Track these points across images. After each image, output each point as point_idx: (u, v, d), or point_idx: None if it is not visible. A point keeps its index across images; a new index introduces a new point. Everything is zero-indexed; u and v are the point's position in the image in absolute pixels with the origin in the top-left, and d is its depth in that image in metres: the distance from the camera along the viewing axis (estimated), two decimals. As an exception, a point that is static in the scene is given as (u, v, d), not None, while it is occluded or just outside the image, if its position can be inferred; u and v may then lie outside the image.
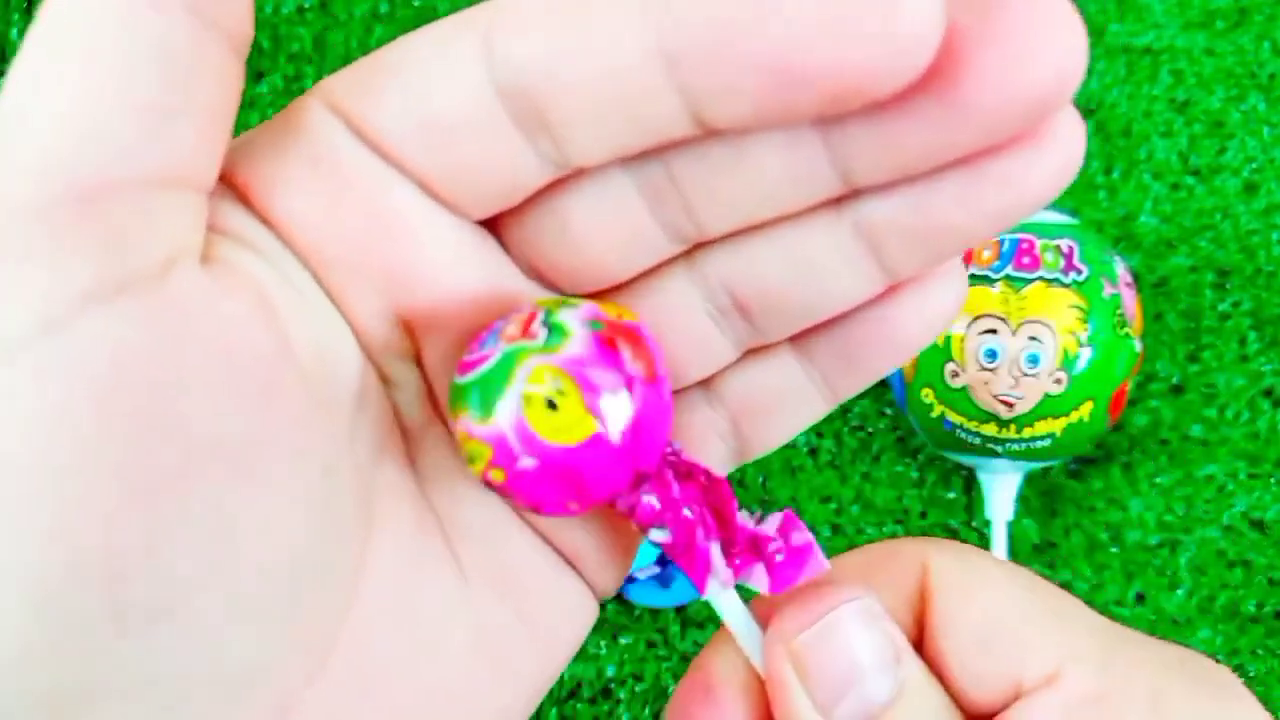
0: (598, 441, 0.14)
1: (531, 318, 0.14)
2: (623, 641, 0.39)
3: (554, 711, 0.38)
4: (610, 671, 0.38)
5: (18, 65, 0.12)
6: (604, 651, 0.39)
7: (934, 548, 0.16)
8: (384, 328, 0.15)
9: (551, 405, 0.13)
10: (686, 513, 0.15)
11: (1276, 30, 0.44)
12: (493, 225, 0.15)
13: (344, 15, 0.44)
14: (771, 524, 0.15)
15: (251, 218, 0.14)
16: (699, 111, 0.13)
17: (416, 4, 0.44)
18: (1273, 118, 0.43)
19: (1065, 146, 0.13)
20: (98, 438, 0.11)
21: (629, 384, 0.14)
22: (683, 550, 0.15)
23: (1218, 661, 0.16)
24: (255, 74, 0.44)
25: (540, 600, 0.16)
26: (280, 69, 0.44)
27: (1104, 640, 0.15)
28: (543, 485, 0.14)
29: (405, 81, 0.14)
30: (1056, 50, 0.12)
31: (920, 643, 0.16)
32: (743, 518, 0.15)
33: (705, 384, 0.17)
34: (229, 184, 0.14)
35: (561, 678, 0.38)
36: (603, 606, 0.39)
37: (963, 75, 0.12)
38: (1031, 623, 0.15)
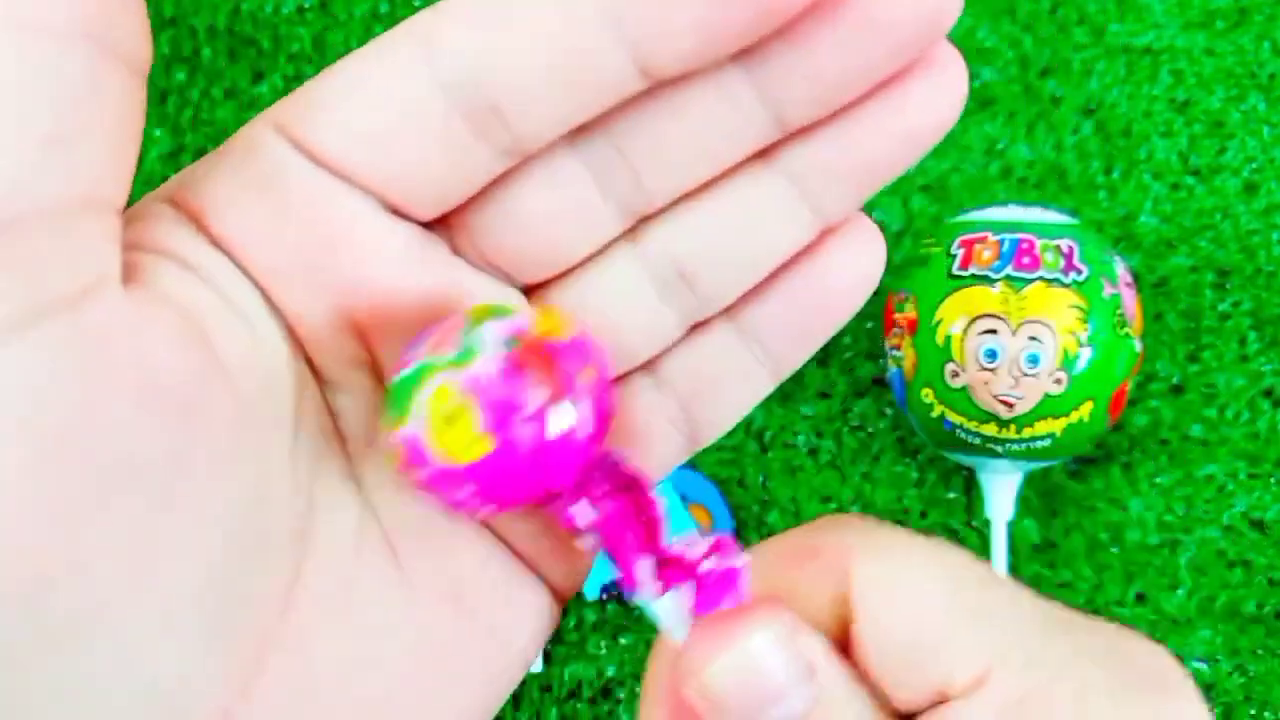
0: (493, 461, 0.14)
1: (454, 328, 0.14)
2: (623, 641, 0.39)
3: (554, 711, 0.38)
4: (610, 671, 0.38)
5: None
6: (604, 651, 0.39)
7: (857, 547, 0.15)
8: (337, 337, 0.15)
9: (449, 422, 0.14)
10: (612, 524, 0.15)
11: (1276, 30, 0.44)
12: (443, 221, 0.16)
13: (344, 15, 0.44)
14: (703, 544, 0.15)
15: (200, 241, 0.14)
16: (644, 60, 0.14)
17: (417, 4, 0.44)
18: (1273, 118, 0.43)
19: (954, 70, 0.15)
20: (16, 463, 0.11)
21: (528, 407, 0.14)
22: (611, 559, 0.15)
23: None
24: (255, 74, 0.44)
25: (493, 603, 0.16)
26: (280, 69, 0.44)
27: (1034, 636, 0.15)
28: (449, 492, 0.14)
29: (349, 95, 0.14)
30: None
31: (847, 641, 0.15)
32: (682, 537, 0.15)
33: (651, 368, 0.17)
34: (182, 209, 0.15)
35: (562, 677, 0.38)
36: (602, 606, 0.39)
37: None
38: (956, 626, 0.15)
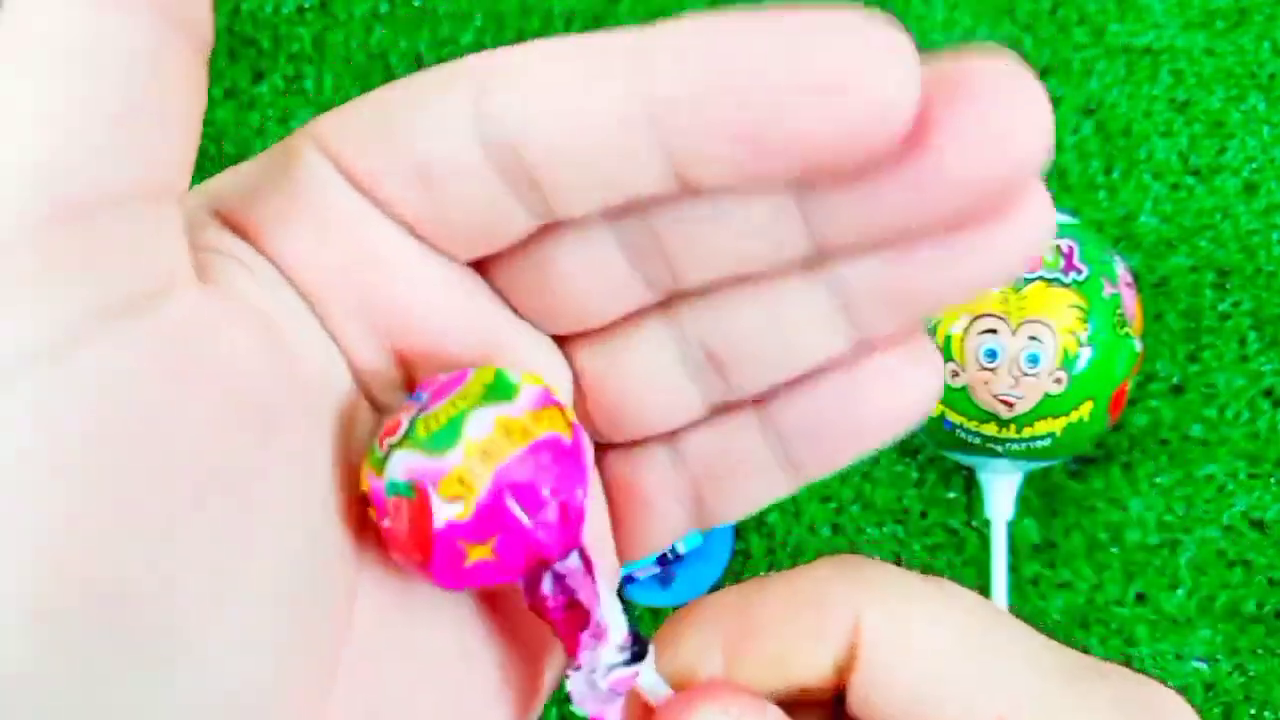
0: (439, 554, 0.14)
1: (451, 387, 0.14)
2: (623, 641, 0.39)
3: (554, 711, 0.38)
4: (610, 671, 0.39)
5: None
6: (604, 651, 0.39)
7: (865, 600, 0.15)
8: (379, 360, 0.15)
9: (398, 513, 0.14)
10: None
11: (1276, 30, 0.44)
12: (478, 266, 0.15)
13: (344, 15, 0.44)
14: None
15: (251, 250, 0.14)
16: (681, 171, 0.13)
17: (417, 4, 0.45)
18: (1273, 118, 0.43)
19: (1035, 218, 0.14)
20: (98, 468, 0.11)
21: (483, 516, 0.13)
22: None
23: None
24: (255, 74, 0.44)
25: (527, 620, 0.16)
26: (280, 69, 0.44)
27: (1047, 683, 0.14)
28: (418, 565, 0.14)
29: (395, 127, 0.14)
30: (1024, 126, 0.12)
31: (846, 689, 0.15)
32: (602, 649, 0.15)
33: (670, 440, 0.17)
34: (224, 220, 0.14)
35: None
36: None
37: (934, 147, 0.12)
38: (967, 680, 0.14)
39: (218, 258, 0.14)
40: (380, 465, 0.14)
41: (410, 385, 0.15)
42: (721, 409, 0.16)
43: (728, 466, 0.16)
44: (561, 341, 0.16)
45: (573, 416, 0.15)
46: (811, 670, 0.15)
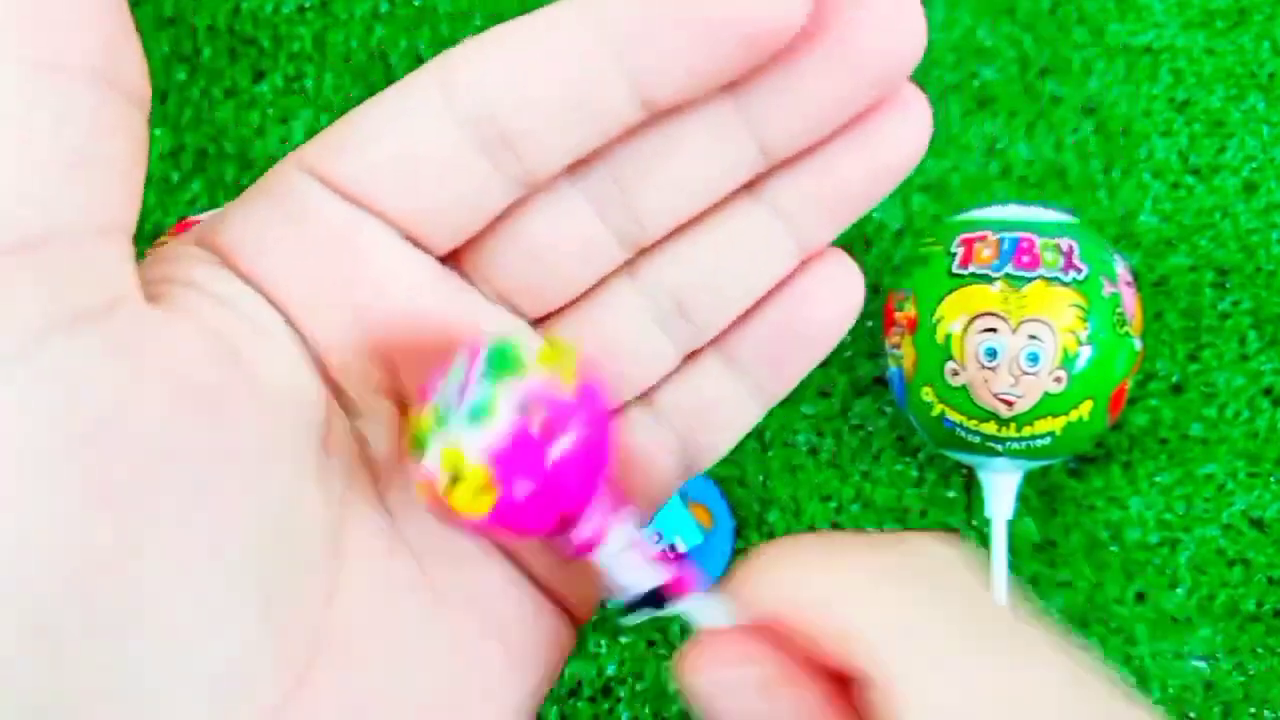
0: (501, 508, 0.15)
1: (472, 364, 0.15)
2: (623, 640, 0.39)
3: (554, 710, 0.38)
4: (610, 670, 0.39)
5: None
6: (604, 650, 0.39)
7: (901, 664, 0.14)
8: (363, 365, 0.16)
9: (456, 483, 0.14)
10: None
11: (1276, 30, 0.44)
12: (454, 256, 0.16)
13: (344, 15, 0.44)
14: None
15: (229, 276, 0.15)
16: (644, 90, 0.15)
17: (417, 3, 0.45)
18: (1273, 117, 0.43)
19: (919, 107, 0.17)
20: (55, 450, 0.12)
21: (535, 466, 0.15)
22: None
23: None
24: (255, 73, 0.44)
25: (517, 626, 0.17)
26: (280, 69, 0.44)
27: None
28: (466, 528, 0.15)
29: (373, 130, 0.15)
30: (911, 18, 0.16)
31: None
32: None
33: (648, 400, 0.18)
34: (211, 248, 0.15)
35: (562, 676, 0.38)
36: (602, 605, 0.39)
37: (846, 32, 0.15)
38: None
39: (180, 288, 0.15)
40: (423, 442, 0.15)
41: (394, 387, 0.16)
42: (688, 358, 0.18)
43: (705, 409, 0.18)
44: (535, 325, 0.17)
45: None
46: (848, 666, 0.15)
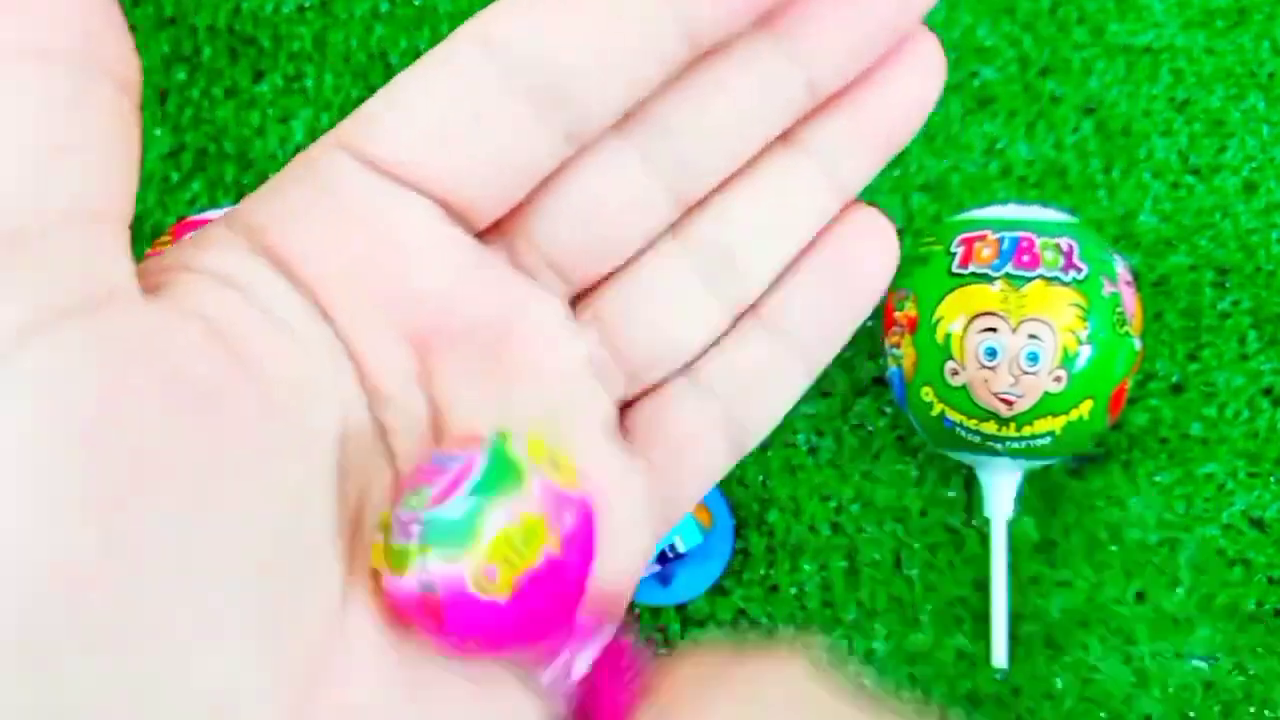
0: (450, 636, 0.14)
1: (454, 484, 0.14)
2: (623, 640, 0.39)
3: (554, 710, 0.38)
4: (610, 670, 0.39)
5: None
6: (604, 650, 0.39)
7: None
8: (392, 350, 0.15)
9: (419, 606, 0.14)
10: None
11: (1276, 30, 0.44)
12: (499, 227, 0.16)
13: (344, 14, 0.44)
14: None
15: (253, 257, 0.15)
16: (692, 28, 0.15)
17: (417, 3, 0.45)
18: (1273, 117, 0.43)
19: (931, 42, 0.17)
20: (45, 454, 0.11)
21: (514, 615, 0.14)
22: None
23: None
24: (256, 73, 0.44)
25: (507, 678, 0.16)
26: (280, 68, 0.44)
27: None
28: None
29: (408, 99, 0.15)
30: None
31: None
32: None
33: (690, 372, 0.18)
34: (239, 228, 0.15)
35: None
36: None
37: None
38: None
39: (187, 276, 0.14)
40: (400, 562, 0.14)
41: (427, 374, 0.15)
42: (733, 322, 0.18)
43: (750, 378, 0.18)
44: (578, 301, 0.17)
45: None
46: None
